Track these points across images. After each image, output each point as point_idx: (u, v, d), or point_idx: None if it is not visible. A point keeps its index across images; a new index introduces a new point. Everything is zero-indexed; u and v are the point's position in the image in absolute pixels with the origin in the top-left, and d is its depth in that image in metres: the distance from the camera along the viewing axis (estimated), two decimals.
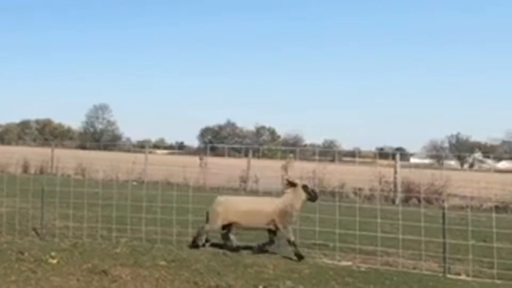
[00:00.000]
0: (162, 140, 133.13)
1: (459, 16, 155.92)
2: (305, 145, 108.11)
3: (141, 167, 29.60)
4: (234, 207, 12.23)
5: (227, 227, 12.15)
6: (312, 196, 12.12)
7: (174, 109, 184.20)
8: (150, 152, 40.88)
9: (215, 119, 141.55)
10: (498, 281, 10.03)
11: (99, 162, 30.01)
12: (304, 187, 12.18)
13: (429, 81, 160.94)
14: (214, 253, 11.46)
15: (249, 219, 12.08)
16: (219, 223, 12.06)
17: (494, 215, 11.81)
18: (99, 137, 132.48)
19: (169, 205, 13.21)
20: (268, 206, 12.17)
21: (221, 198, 12.61)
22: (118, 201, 13.85)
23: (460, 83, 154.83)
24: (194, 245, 11.97)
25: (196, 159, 30.02)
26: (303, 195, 12.08)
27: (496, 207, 20.47)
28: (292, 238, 11.68)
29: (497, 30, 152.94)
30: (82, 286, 8.82)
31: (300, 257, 11.45)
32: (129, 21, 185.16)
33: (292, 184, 12.25)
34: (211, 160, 29.23)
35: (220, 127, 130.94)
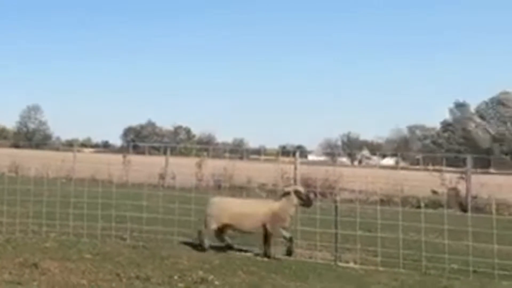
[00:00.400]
0: (89, 139, 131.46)
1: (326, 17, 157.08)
2: (217, 144, 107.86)
3: (69, 165, 29.13)
4: (227, 208, 11.59)
5: (222, 229, 11.59)
6: (305, 201, 11.37)
7: (99, 110, 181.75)
8: (78, 151, 40.27)
9: (137, 119, 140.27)
10: (381, 268, 10.14)
11: (31, 160, 29.34)
12: (297, 192, 11.40)
13: (318, 83, 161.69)
14: (135, 246, 11.32)
15: (242, 221, 11.41)
16: (214, 225, 11.45)
17: (378, 207, 12.00)
18: (31, 137, 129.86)
19: (94, 201, 13.00)
20: (260, 209, 11.51)
21: (214, 199, 12.01)
22: (48, 197, 13.55)
23: (349, 85, 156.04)
24: (202, 249, 11.26)
25: (119, 157, 29.68)
26: (295, 200, 11.28)
27: (381, 200, 20.74)
28: (288, 235, 11.18)
29: (371, 32, 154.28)
30: (15, 279, 8.60)
31: (289, 253, 11.12)
32: (58, 23, 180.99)
33: (286, 193, 11.50)
34: (133, 158, 28.97)
35: (142, 127, 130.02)
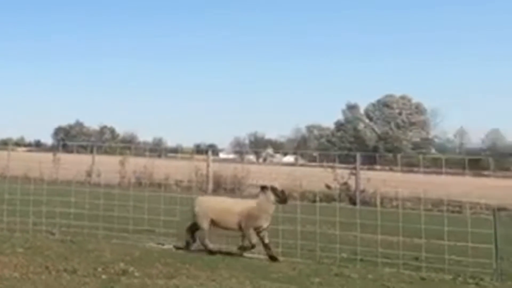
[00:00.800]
0: (22, 138, 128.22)
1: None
2: (139, 143, 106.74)
3: (4, 163, 28.37)
4: (212, 205, 10.91)
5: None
6: (280, 197, 10.46)
7: (32, 110, 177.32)
8: (12, 150, 39.31)
9: (67, 119, 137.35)
10: (282, 258, 10.19)
11: None
12: (273, 189, 10.51)
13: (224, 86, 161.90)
14: (63, 241, 11.08)
15: (222, 218, 10.64)
16: (205, 224, 10.68)
17: None
18: None
19: (26, 198, 12.66)
20: (237, 206, 10.68)
21: (202, 198, 11.33)
22: None
23: (256, 86, 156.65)
24: (212, 252, 10.43)
25: (50, 156, 29.09)
26: (271, 198, 10.37)
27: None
28: (254, 241, 10.22)
29: (277, 34, 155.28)
30: None
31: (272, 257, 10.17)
32: None
33: (262, 188, 10.63)
34: (63, 156, 28.37)
35: (70, 127, 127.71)
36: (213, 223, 10.72)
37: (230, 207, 10.79)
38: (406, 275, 9.22)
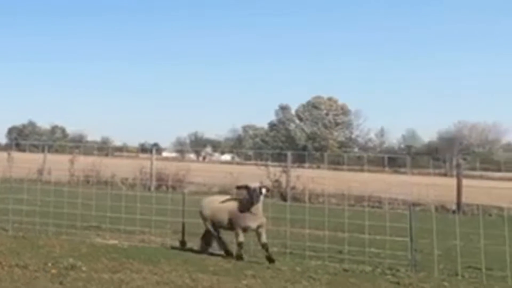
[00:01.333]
0: None
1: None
2: (87, 142, 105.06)
3: None
4: (212, 204, 10.29)
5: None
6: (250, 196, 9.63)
7: None
8: None
9: (20, 119, 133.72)
10: (219, 252, 10.17)
11: None
12: (247, 188, 9.75)
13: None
14: (15, 237, 10.88)
15: (217, 216, 10.04)
16: (209, 225, 10.20)
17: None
18: None
19: None
20: (229, 204, 9.96)
21: (205, 200, 10.64)
22: None
23: (195, 86, 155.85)
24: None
25: (4, 154, 28.40)
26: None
27: (220, 192, 20.83)
28: (239, 240, 9.63)
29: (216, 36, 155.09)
30: None
31: (240, 257, 9.60)
32: None
33: (243, 187, 9.89)
34: (16, 155, 27.73)
35: (24, 126, 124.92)
36: (212, 222, 10.19)
37: (225, 205, 10.09)
38: (331, 267, 9.31)
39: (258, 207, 9.64)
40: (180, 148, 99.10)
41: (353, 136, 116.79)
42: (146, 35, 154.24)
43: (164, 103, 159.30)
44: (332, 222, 10.97)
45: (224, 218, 9.91)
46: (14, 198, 12.99)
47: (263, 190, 9.64)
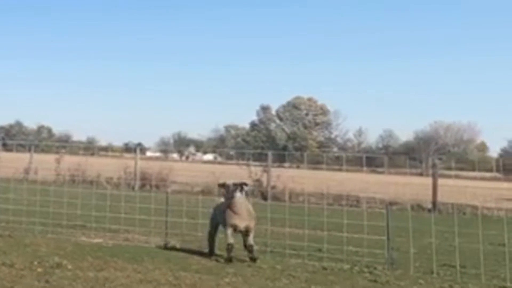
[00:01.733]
0: None
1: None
2: (73, 142, 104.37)
3: None
4: (217, 209, 9.97)
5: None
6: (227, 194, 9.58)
7: None
8: None
9: (7, 119, 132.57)
10: (203, 251, 10.16)
11: None
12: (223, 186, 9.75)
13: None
14: (1, 235, 10.72)
15: (217, 218, 9.80)
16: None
17: (200, 197, 12.05)
18: None
19: None
20: (222, 205, 9.76)
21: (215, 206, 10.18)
22: None
23: (180, 87, 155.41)
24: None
25: None
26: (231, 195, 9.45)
27: (202, 191, 20.85)
28: (228, 241, 9.30)
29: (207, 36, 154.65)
30: None
31: (229, 260, 9.21)
32: None
33: (222, 185, 9.82)
34: (3, 155, 27.45)
35: (11, 126, 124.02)
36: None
37: (221, 205, 9.88)
38: (310, 265, 9.33)
39: (241, 206, 9.44)
40: (164, 148, 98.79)
41: (332, 136, 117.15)
42: (131, 34, 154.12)
43: (148, 103, 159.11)
44: (311, 221, 11.01)
45: (220, 219, 9.69)
46: (1, 197, 12.92)
47: (241, 188, 9.54)
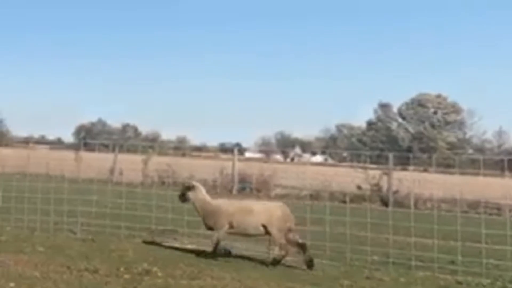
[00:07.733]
0: (43, 137, 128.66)
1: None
2: (162, 141, 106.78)
3: (25, 161, 28.58)
4: None
5: None
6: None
7: (52, 107, 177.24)
8: (33, 148, 39.63)
9: (88, 117, 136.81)
10: None
11: None
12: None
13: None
14: (84, 240, 11.22)
15: None
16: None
17: (308, 202, 12.06)
18: None
19: (47, 196, 12.79)
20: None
21: None
22: (4, 192, 13.32)
23: (282, 85, 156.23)
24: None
25: (72, 154, 29.21)
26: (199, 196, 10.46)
27: (310, 195, 20.83)
28: (216, 240, 10.08)
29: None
30: None
31: (213, 255, 9.98)
32: None
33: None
34: (85, 155, 28.50)
35: (93, 124, 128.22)
36: None
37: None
38: (441, 279, 9.20)
39: (196, 207, 10.48)
40: (265, 148, 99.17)
41: (466, 136, 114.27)
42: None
43: (246, 100, 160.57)
44: (442, 229, 10.80)
45: None
46: (83, 199, 13.37)
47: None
